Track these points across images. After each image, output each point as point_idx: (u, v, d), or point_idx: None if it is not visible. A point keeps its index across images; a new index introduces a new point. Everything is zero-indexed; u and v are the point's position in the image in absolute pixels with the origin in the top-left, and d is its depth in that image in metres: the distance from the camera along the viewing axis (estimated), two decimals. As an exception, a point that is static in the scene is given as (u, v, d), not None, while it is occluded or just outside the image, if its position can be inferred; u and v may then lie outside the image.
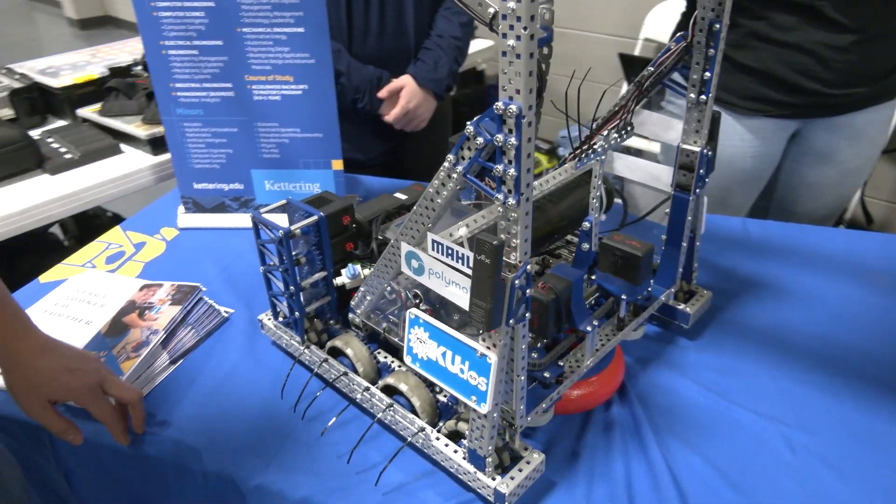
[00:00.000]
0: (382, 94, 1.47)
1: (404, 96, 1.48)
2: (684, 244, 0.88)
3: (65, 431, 0.77)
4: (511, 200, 0.57)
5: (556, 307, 0.73)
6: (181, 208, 1.27)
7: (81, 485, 0.90)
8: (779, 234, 1.18)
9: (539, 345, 0.78)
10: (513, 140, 0.54)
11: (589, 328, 0.76)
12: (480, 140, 0.56)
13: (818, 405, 0.82)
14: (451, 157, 0.61)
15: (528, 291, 0.61)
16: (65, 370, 0.75)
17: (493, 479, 0.69)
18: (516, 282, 0.59)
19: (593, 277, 0.85)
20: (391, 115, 1.48)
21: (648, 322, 0.96)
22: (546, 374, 0.74)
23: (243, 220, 1.25)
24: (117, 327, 0.95)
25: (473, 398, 0.65)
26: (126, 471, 0.85)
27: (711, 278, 1.06)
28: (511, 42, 0.50)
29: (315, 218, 0.82)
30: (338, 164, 1.21)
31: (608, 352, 0.84)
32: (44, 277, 1.14)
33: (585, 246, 0.77)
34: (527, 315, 0.63)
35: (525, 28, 0.49)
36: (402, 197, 1.01)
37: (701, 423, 0.80)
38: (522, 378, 0.67)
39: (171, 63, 1.13)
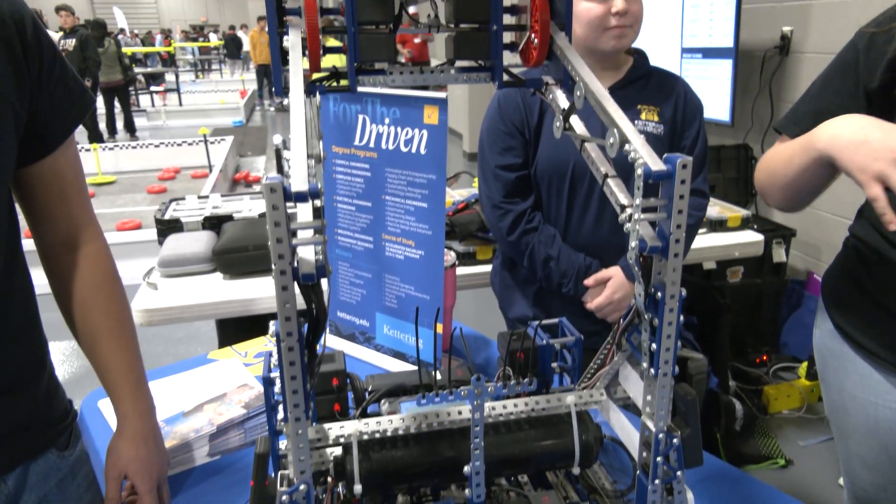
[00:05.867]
0: (589, 281, 1.47)
1: (611, 286, 1.46)
2: (648, 543, 0.70)
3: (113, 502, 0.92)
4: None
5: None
6: (327, 331, 1.48)
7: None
8: None
9: None
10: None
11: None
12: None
13: None
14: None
15: (307, 513, 0.60)
16: (152, 465, 0.91)
17: None
18: (284, 497, 0.59)
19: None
20: (594, 303, 1.47)
21: None
22: None
23: (364, 352, 1.40)
24: (195, 411, 1.17)
25: None
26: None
27: None
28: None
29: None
30: (439, 328, 1.27)
31: None
32: (212, 354, 1.45)
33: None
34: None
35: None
36: (440, 376, 1.02)
37: None
38: None
39: (338, 213, 1.37)
